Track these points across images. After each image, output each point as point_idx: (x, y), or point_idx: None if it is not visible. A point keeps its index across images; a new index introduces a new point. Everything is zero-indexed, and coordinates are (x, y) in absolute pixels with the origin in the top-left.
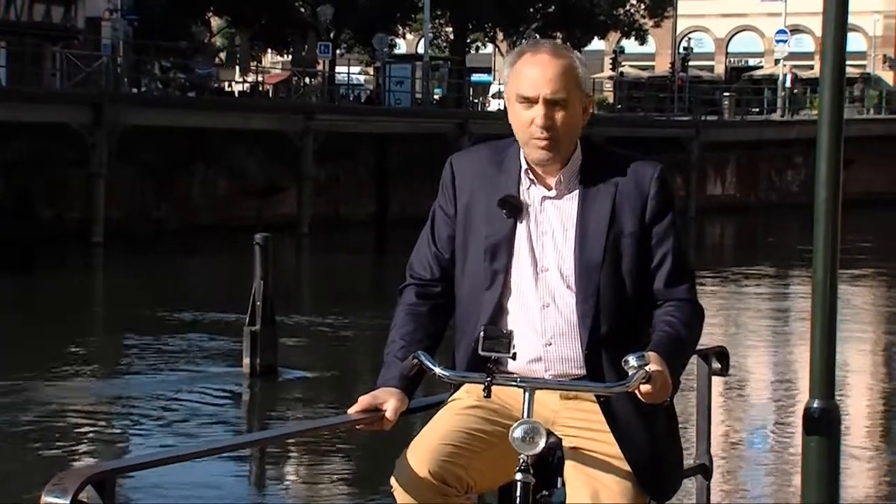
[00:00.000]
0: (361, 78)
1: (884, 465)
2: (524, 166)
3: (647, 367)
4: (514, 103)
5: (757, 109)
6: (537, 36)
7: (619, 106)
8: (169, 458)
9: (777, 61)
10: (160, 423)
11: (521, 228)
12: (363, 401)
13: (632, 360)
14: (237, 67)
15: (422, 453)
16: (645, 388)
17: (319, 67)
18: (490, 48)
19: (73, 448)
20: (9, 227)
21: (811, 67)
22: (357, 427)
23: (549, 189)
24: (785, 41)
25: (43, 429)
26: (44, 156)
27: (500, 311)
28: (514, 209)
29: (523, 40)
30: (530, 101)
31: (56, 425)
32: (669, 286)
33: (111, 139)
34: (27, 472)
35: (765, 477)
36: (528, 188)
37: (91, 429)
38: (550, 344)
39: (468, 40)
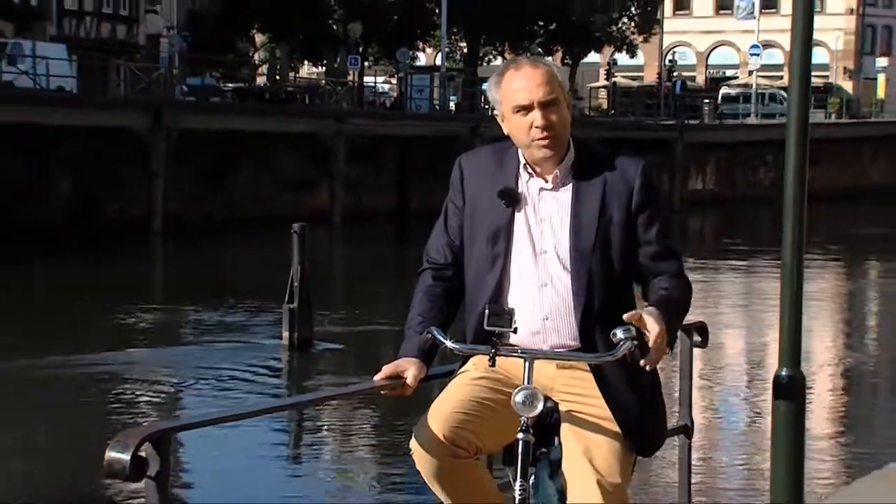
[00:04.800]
0: (386, 87)
1: (843, 426)
2: (522, 162)
3: (633, 336)
4: (510, 115)
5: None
6: (540, 51)
7: (613, 111)
8: (218, 419)
9: (751, 72)
10: (210, 389)
11: (519, 216)
12: (387, 369)
13: (619, 333)
14: (278, 77)
15: (437, 421)
16: (655, 330)
17: (350, 78)
18: (500, 61)
19: (134, 410)
20: (77, 220)
21: (781, 78)
22: (381, 392)
23: (547, 181)
24: (758, 55)
25: (108, 394)
26: (109, 157)
27: (502, 290)
28: (513, 199)
29: (528, 53)
30: (526, 109)
31: (119, 390)
32: (657, 261)
33: (168, 141)
34: (95, 431)
35: (739, 436)
36: (528, 181)
37: (150, 393)
38: (548, 319)
39: (480, 54)
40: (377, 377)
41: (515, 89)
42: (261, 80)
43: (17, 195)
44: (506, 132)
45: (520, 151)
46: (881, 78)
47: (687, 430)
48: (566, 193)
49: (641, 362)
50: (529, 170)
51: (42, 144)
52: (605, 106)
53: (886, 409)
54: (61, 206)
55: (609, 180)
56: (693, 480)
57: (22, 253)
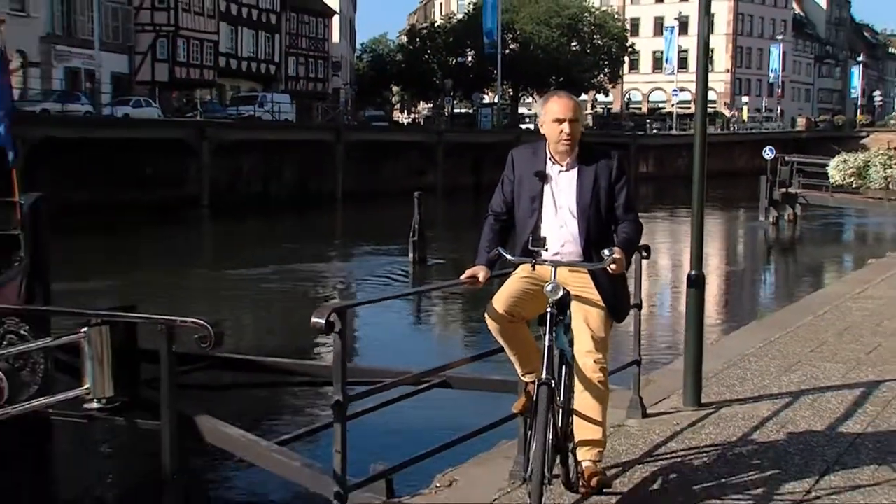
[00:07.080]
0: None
1: (725, 304)
2: (549, 154)
3: (613, 255)
4: (549, 123)
5: (660, 128)
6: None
7: (595, 127)
8: (374, 300)
9: (673, 105)
10: (368, 283)
11: (547, 187)
12: (468, 272)
13: (605, 252)
14: (405, 111)
15: (499, 302)
16: (613, 266)
17: (445, 110)
18: (531, 100)
19: (325, 294)
20: (295, 195)
21: (690, 108)
22: (465, 285)
23: (563, 166)
24: (677, 94)
25: (309, 286)
26: (312, 156)
27: (538, 228)
28: (543, 177)
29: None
30: (560, 121)
31: (316, 284)
32: (625, 213)
33: (344, 147)
34: (306, 308)
35: (668, 310)
36: (552, 166)
37: (334, 285)
38: (564, 245)
39: (519, 95)
40: (462, 277)
41: (556, 109)
42: (396, 113)
43: (264, 179)
44: (543, 133)
45: (547, 146)
46: (745, 108)
47: (638, 307)
48: (574, 172)
49: (611, 270)
50: (552, 158)
51: (277, 150)
52: (591, 125)
53: (745, 296)
54: (287, 185)
55: (599, 164)
56: (641, 340)
57: (267, 212)
